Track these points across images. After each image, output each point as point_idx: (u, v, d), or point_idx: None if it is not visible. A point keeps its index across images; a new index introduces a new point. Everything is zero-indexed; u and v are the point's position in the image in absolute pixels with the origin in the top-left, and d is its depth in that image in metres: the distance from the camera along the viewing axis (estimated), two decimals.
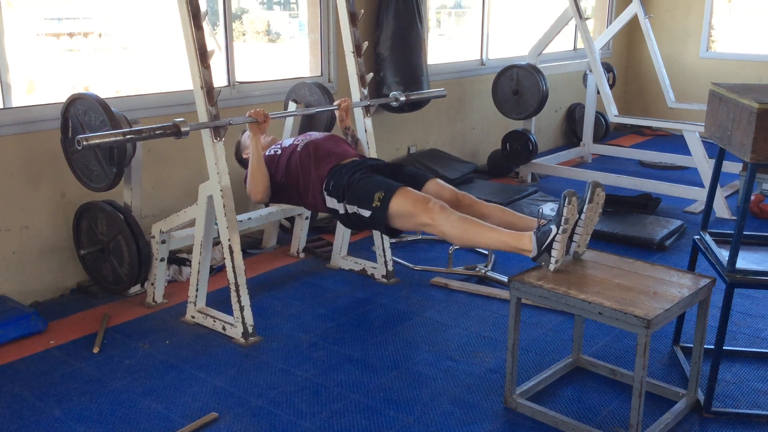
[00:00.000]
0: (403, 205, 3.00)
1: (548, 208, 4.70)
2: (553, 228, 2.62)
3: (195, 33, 3.05)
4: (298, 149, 3.38)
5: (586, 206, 2.65)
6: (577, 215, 2.66)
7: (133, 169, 3.56)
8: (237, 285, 3.18)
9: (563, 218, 2.59)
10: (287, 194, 3.46)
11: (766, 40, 7.94)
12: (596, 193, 2.66)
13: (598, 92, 6.02)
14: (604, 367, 2.92)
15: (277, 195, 3.50)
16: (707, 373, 2.67)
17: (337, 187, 3.16)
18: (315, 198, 3.30)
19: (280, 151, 3.45)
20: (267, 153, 3.49)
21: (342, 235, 4.05)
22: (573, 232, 2.68)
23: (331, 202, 3.21)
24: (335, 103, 3.80)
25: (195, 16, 3.05)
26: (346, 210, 3.16)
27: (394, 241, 4.38)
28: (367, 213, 3.08)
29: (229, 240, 3.18)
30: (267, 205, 4.23)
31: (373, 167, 3.30)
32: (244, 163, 3.67)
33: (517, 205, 5.00)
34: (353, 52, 3.85)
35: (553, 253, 2.61)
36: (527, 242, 2.71)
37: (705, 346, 2.68)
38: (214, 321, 3.30)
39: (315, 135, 3.53)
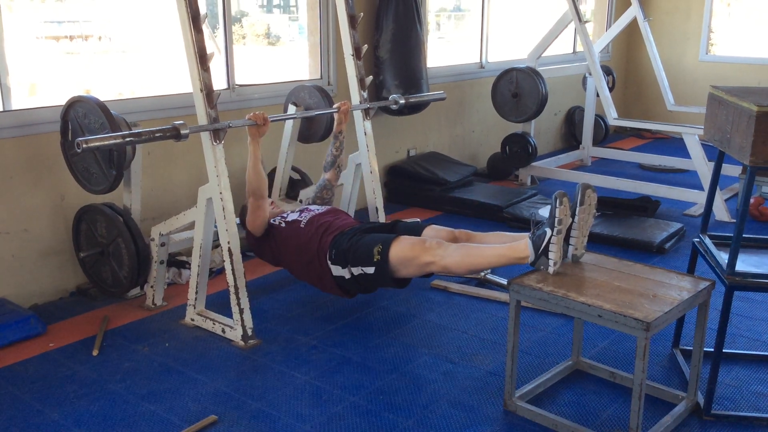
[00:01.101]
0: (401, 251, 3.03)
1: (546, 211, 4.70)
2: (548, 230, 2.64)
3: (195, 36, 3.05)
4: (302, 226, 3.39)
5: (578, 209, 2.67)
6: (571, 219, 2.67)
7: (133, 172, 3.56)
8: (236, 288, 3.18)
9: (556, 219, 2.62)
10: (295, 268, 3.47)
11: (765, 44, 7.95)
12: (587, 195, 2.68)
13: (598, 95, 6.03)
14: (603, 370, 2.92)
15: (283, 263, 3.52)
16: (707, 376, 2.66)
17: (339, 253, 3.19)
18: (321, 270, 3.29)
19: (284, 225, 3.45)
20: (272, 221, 3.50)
21: None
22: (569, 235, 2.69)
23: (336, 270, 3.22)
24: (335, 105, 3.81)
25: (194, 19, 3.06)
26: (351, 274, 3.18)
27: None
28: (371, 270, 3.10)
29: (228, 242, 3.17)
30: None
31: (370, 228, 3.35)
32: (253, 242, 3.61)
33: (516, 207, 5.00)
34: (353, 55, 3.85)
35: (550, 255, 2.62)
36: (524, 248, 2.73)
37: (705, 349, 2.68)
38: (214, 324, 3.30)
39: (315, 210, 3.54)
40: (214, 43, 5.69)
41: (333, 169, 3.82)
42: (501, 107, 5.92)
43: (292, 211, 3.56)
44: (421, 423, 2.60)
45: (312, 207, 3.62)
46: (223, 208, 3.16)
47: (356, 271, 3.15)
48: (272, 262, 3.61)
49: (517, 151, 6.01)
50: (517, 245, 2.78)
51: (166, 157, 4.07)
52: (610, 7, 8.01)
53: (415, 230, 3.32)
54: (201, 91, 3.09)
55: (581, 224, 2.69)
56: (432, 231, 3.28)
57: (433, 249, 2.98)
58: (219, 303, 3.51)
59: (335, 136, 3.80)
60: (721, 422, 2.61)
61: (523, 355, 3.08)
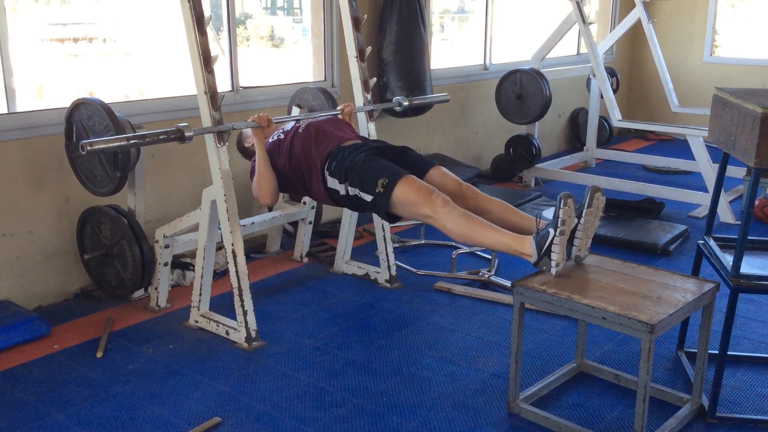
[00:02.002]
0: (406, 193, 2.94)
1: (550, 213, 4.69)
2: (551, 231, 2.61)
3: (199, 38, 3.06)
4: (300, 131, 3.34)
5: (585, 210, 2.64)
6: (576, 219, 2.65)
7: (137, 174, 3.56)
8: (240, 289, 3.18)
9: (560, 220, 2.58)
10: (291, 181, 3.41)
11: None
12: (596, 198, 2.65)
13: (602, 97, 6.02)
14: (608, 372, 2.91)
15: (282, 184, 3.44)
16: (711, 378, 2.66)
17: (340, 167, 3.12)
18: (317, 179, 3.23)
19: (282, 136, 3.41)
20: (270, 139, 3.45)
21: (345, 239, 4.05)
22: (573, 237, 2.67)
23: (333, 183, 3.16)
24: (338, 107, 3.81)
25: (199, 21, 3.06)
26: (347, 192, 3.12)
27: (396, 246, 4.38)
28: (368, 197, 3.04)
29: (232, 244, 3.18)
30: (270, 209, 4.24)
31: (377, 150, 3.23)
32: (246, 152, 3.65)
33: (520, 209, 4.98)
34: (356, 57, 3.85)
35: (553, 256, 2.60)
36: (527, 247, 2.69)
37: (709, 351, 2.68)
38: (218, 325, 3.30)
39: (317, 117, 3.50)
40: (218, 46, 5.70)
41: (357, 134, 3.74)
42: (505, 109, 5.92)
43: (291, 123, 3.48)
44: (425, 425, 2.60)
45: (314, 115, 3.55)
46: (227, 210, 3.17)
47: (353, 191, 3.08)
48: (280, 187, 3.48)
49: (521, 153, 6.00)
50: (521, 240, 2.74)
51: (170, 159, 4.07)
52: (615, 9, 8.00)
53: (423, 166, 3.22)
54: (205, 93, 3.09)
55: (587, 226, 2.67)
56: (439, 175, 3.18)
57: (437, 205, 2.88)
58: (223, 305, 3.52)
59: None
60: (725, 425, 2.60)
61: (527, 357, 3.07)
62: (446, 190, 3.06)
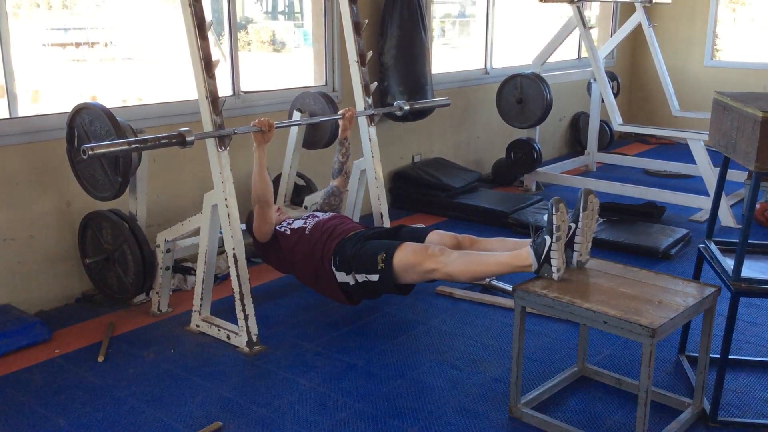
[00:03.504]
0: (405, 258, 3.04)
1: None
2: (547, 238, 2.64)
3: (200, 43, 3.06)
4: (307, 233, 3.41)
5: (581, 214, 2.66)
6: (573, 224, 2.67)
7: (139, 179, 3.57)
8: (242, 294, 3.18)
9: (554, 226, 2.62)
10: (300, 274, 3.50)
11: None
12: (589, 200, 2.68)
13: (603, 101, 6.02)
14: (609, 377, 2.91)
15: (288, 269, 3.55)
16: (713, 383, 2.65)
17: (343, 260, 3.21)
18: (327, 277, 3.31)
19: (289, 232, 3.47)
20: (278, 227, 3.52)
21: None
22: (572, 241, 2.68)
23: (341, 276, 3.24)
24: (340, 112, 3.82)
25: (200, 27, 3.07)
26: (356, 280, 3.20)
27: None
28: (375, 277, 3.11)
29: (233, 249, 3.18)
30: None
31: (374, 233, 3.35)
32: (257, 245, 3.63)
33: (521, 213, 5.00)
34: (357, 62, 3.86)
35: (553, 262, 2.62)
36: (526, 257, 2.72)
37: (710, 355, 2.67)
38: (219, 330, 3.31)
39: (320, 216, 3.56)
40: (219, 50, 5.72)
41: (341, 176, 3.82)
42: (506, 113, 5.92)
43: (298, 218, 3.56)
44: (426, 429, 2.60)
45: (318, 214, 3.63)
46: (228, 215, 3.17)
47: (360, 278, 3.16)
48: (278, 268, 3.63)
49: (521, 157, 6.01)
50: (519, 254, 2.78)
51: (171, 163, 4.08)
52: (615, 13, 8.01)
53: (419, 235, 3.32)
54: (206, 97, 3.10)
55: (585, 230, 2.68)
56: (436, 236, 3.28)
57: (436, 256, 2.98)
58: (224, 309, 3.52)
59: (341, 143, 3.81)
60: (727, 429, 2.60)
61: (529, 361, 3.07)
62: (445, 245, 3.14)
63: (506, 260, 2.84)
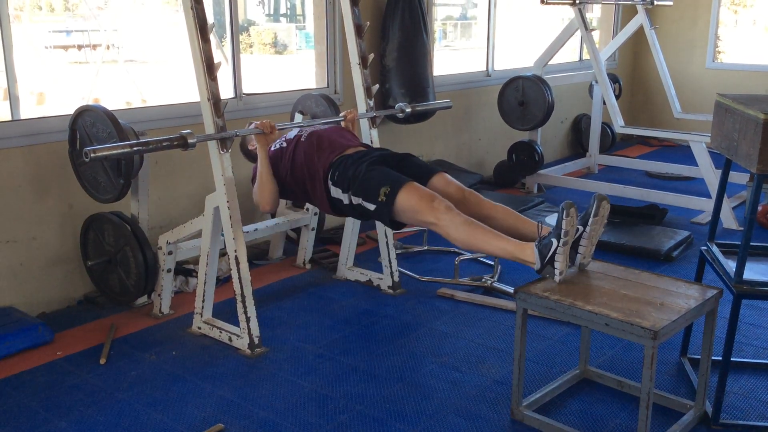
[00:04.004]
0: (408, 201, 2.95)
1: (553, 219, 4.69)
2: (554, 241, 2.60)
3: (202, 45, 3.07)
4: (302, 139, 3.36)
5: (591, 219, 2.64)
6: (582, 228, 2.65)
7: (141, 181, 3.57)
8: (243, 296, 3.18)
9: (563, 231, 2.57)
10: (293, 189, 3.42)
11: None
12: (602, 206, 2.65)
13: (604, 103, 6.02)
14: (611, 379, 2.91)
15: (284, 191, 3.45)
16: (715, 385, 2.65)
17: (342, 177, 3.14)
18: (319, 189, 3.25)
19: (285, 144, 3.42)
20: (273, 147, 3.45)
21: (348, 246, 4.06)
22: (578, 244, 2.67)
23: (336, 192, 3.18)
24: (341, 114, 3.82)
25: (202, 29, 3.07)
26: (350, 201, 3.13)
27: (399, 252, 4.38)
28: (372, 206, 3.04)
29: (235, 251, 3.18)
30: (273, 216, 4.24)
31: (380, 158, 3.24)
32: (249, 155, 3.64)
33: (523, 215, 4.99)
34: (359, 64, 3.86)
35: (556, 265, 2.61)
36: (530, 254, 2.69)
37: (713, 358, 2.67)
38: (221, 332, 3.31)
39: (319, 126, 3.51)
40: (221, 53, 5.73)
41: (360, 141, 3.74)
42: (507, 115, 5.93)
43: (294, 130, 3.50)
44: None
45: (316, 125, 3.56)
46: (230, 217, 3.17)
47: (356, 201, 3.10)
48: (282, 194, 3.50)
49: (523, 159, 6.01)
50: (524, 247, 2.73)
51: (173, 165, 4.08)
52: (617, 15, 8.02)
53: (426, 173, 3.22)
54: (208, 100, 3.10)
55: (592, 234, 2.66)
56: (442, 181, 3.18)
57: (440, 211, 2.88)
58: (226, 311, 3.52)
59: None
60: (729, 431, 2.60)
61: (530, 363, 3.07)
62: (449, 196, 3.06)
63: (510, 249, 2.77)
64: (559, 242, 2.59)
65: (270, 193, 3.35)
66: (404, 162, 3.29)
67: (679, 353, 3.14)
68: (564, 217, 2.57)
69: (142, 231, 3.54)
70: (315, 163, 3.25)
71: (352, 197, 3.11)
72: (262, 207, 3.41)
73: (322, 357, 3.17)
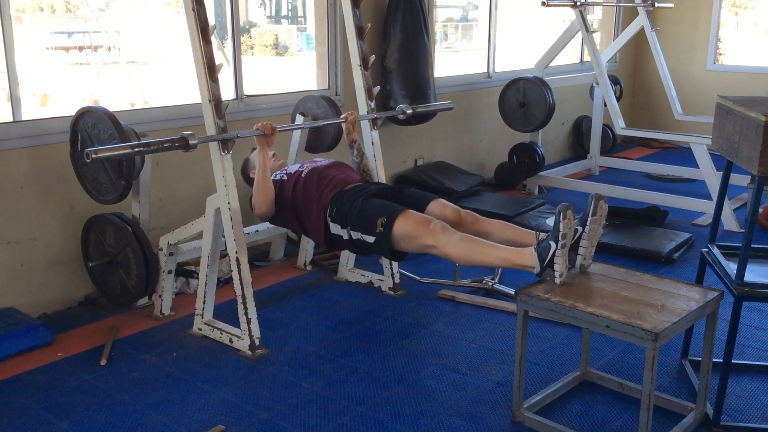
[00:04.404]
0: (405, 227, 3.00)
1: (553, 221, 4.69)
2: (552, 244, 2.62)
3: (203, 47, 3.07)
4: (303, 176, 3.40)
5: (589, 219, 2.65)
6: (581, 228, 2.66)
7: (142, 182, 3.58)
8: (244, 297, 3.18)
9: (560, 233, 2.59)
10: (291, 222, 3.48)
11: None
12: (599, 206, 2.66)
13: (605, 105, 6.03)
14: (612, 381, 2.91)
15: (283, 220, 3.52)
16: (716, 387, 2.65)
17: (341, 213, 3.18)
18: (318, 223, 3.30)
19: (286, 177, 3.47)
20: (273, 177, 3.50)
21: None
22: (578, 245, 2.68)
23: (335, 228, 3.22)
24: (342, 116, 3.82)
25: (203, 31, 3.07)
26: (350, 236, 3.18)
27: None
28: (371, 239, 3.10)
29: (236, 252, 3.18)
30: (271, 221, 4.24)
31: (376, 191, 3.31)
32: (250, 181, 3.68)
33: (524, 217, 5.00)
34: (360, 66, 3.87)
35: (556, 267, 2.61)
36: (529, 258, 2.71)
37: (713, 360, 2.67)
38: (221, 333, 3.31)
39: (319, 162, 3.54)
40: (222, 54, 5.73)
41: (360, 174, 3.75)
42: (508, 117, 5.93)
43: (295, 164, 3.53)
44: None
45: (317, 159, 3.59)
46: (231, 218, 3.17)
47: (355, 235, 3.13)
48: (275, 221, 3.56)
49: (524, 161, 6.01)
50: (522, 253, 2.76)
51: (174, 167, 4.09)
52: (618, 17, 8.02)
53: (422, 200, 3.27)
54: (209, 101, 3.11)
55: (591, 235, 2.67)
56: (438, 207, 3.23)
57: (437, 233, 2.93)
58: (226, 313, 3.52)
59: (350, 146, 3.79)
60: None
61: (531, 365, 3.07)
62: (446, 219, 3.11)
63: (508, 256, 2.80)
64: (557, 245, 2.60)
65: (267, 196, 3.37)
66: (400, 193, 3.35)
67: (680, 355, 3.14)
68: (561, 220, 2.59)
69: (143, 232, 3.54)
70: (314, 202, 3.30)
71: (351, 232, 3.16)
72: (258, 209, 3.41)
73: (323, 358, 3.17)
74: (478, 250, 2.89)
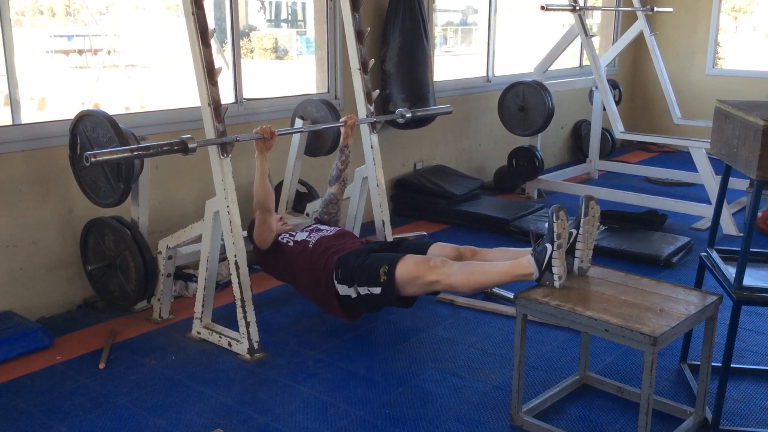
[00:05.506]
0: (407, 270, 3.04)
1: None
2: (548, 246, 2.64)
3: (203, 50, 3.08)
4: (310, 246, 3.41)
5: (582, 220, 2.67)
6: (575, 231, 2.67)
7: (141, 185, 3.58)
8: (243, 301, 3.18)
9: (555, 234, 2.62)
10: (300, 286, 3.49)
11: None
12: (590, 206, 2.68)
13: (604, 109, 6.04)
14: (610, 385, 2.91)
15: (289, 279, 3.54)
16: (715, 391, 2.65)
17: (346, 273, 3.21)
18: (327, 289, 3.30)
19: (292, 244, 3.47)
20: (280, 238, 3.51)
21: None
22: (574, 248, 2.68)
23: (343, 289, 3.24)
24: (341, 119, 3.83)
25: (203, 34, 3.08)
26: (358, 293, 3.19)
27: None
28: (377, 290, 3.12)
29: (235, 256, 3.18)
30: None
31: (377, 248, 3.35)
32: (257, 252, 3.59)
33: (523, 221, 5.00)
34: (360, 69, 3.87)
35: (554, 270, 2.62)
36: (527, 265, 2.73)
37: (712, 364, 2.67)
38: (220, 337, 3.31)
39: (324, 230, 3.55)
40: (222, 58, 5.74)
41: (338, 183, 3.81)
42: (507, 121, 5.93)
43: (302, 230, 3.56)
44: None
45: (322, 227, 3.61)
46: (230, 222, 3.18)
47: (363, 291, 3.16)
48: (278, 277, 3.62)
49: (523, 165, 6.01)
50: (520, 262, 2.79)
51: (173, 170, 4.09)
52: (617, 22, 8.03)
53: (421, 247, 3.33)
54: (209, 105, 3.11)
55: (586, 236, 2.69)
56: (437, 248, 3.29)
57: (437, 268, 2.99)
58: (225, 316, 3.52)
59: (341, 150, 3.81)
60: None
61: (530, 369, 3.07)
62: (447, 257, 3.14)
63: (507, 269, 2.85)
64: (553, 246, 2.62)
65: (265, 197, 3.37)
66: (399, 246, 3.41)
67: (679, 359, 3.14)
68: (554, 221, 2.61)
69: (142, 235, 3.54)
70: (321, 268, 3.31)
71: (358, 289, 3.18)
72: (257, 238, 3.43)
73: (322, 362, 3.17)
74: (478, 271, 2.95)
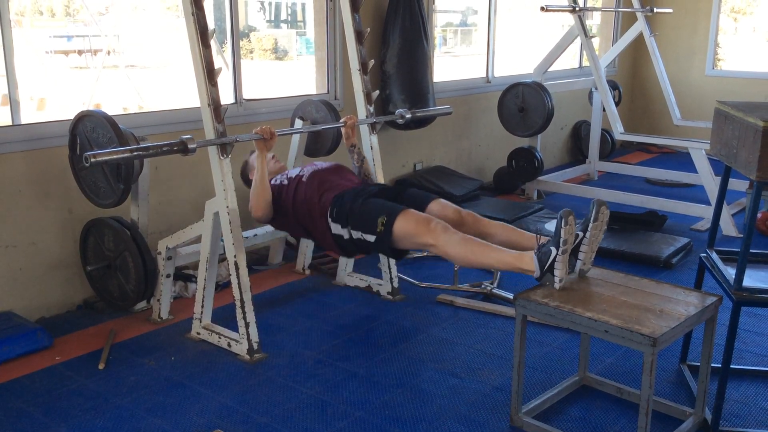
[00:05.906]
0: (405, 226, 3.02)
1: (552, 226, 4.69)
2: (553, 249, 2.62)
3: (203, 51, 3.08)
4: (304, 180, 3.41)
5: (591, 225, 2.65)
6: (582, 234, 2.66)
7: (140, 186, 3.58)
8: (242, 301, 3.18)
9: (561, 239, 2.60)
10: (294, 227, 3.49)
11: None
12: (601, 212, 2.66)
13: (604, 110, 6.04)
14: (610, 386, 2.91)
15: (284, 225, 3.53)
16: (714, 392, 2.65)
17: (341, 212, 3.19)
18: (321, 226, 3.30)
19: (286, 182, 3.47)
20: (273, 181, 3.51)
21: None
22: (578, 250, 2.68)
23: (336, 228, 3.23)
24: (341, 120, 3.82)
25: (203, 35, 3.08)
26: (350, 235, 3.18)
27: None
28: (371, 238, 3.10)
29: (234, 256, 3.18)
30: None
31: (377, 191, 3.32)
32: (249, 183, 3.68)
33: (522, 222, 5.00)
34: (359, 70, 3.87)
35: (556, 273, 2.61)
36: (529, 262, 2.71)
37: (712, 365, 2.67)
38: (220, 337, 3.30)
39: (320, 165, 3.54)
40: (222, 58, 5.74)
41: (361, 179, 3.76)
42: (507, 121, 5.93)
43: (295, 167, 3.54)
44: None
45: (316, 162, 3.60)
46: (230, 222, 3.17)
47: (356, 234, 3.15)
48: (291, 233, 3.61)
49: (523, 165, 6.01)
50: (522, 257, 2.76)
51: (173, 171, 4.09)
52: (616, 23, 8.03)
53: (422, 201, 3.28)
54: (209, 105, 3.11)
55: (591, 240, 2.68)
56: (438, 206, 3.25)
57: (437, 232, 2.94)
58: (225, 317, 3.52)
59: (350, 151, 3.79)
60: None
61: (530, 370, 3.07)
62: (447, 219, 3.13)
63: (509, 260, 2.81)
64: (558, 250, 2.60)
65: (264, 200, 3.37)
66: (401, 193, 3.37)
67: (679, 360, 3.14)
68: (562, 226, 2.59)
69: (142, 236, 3.54)
70: (315, 204, 3.31)
71: (352, 231, 3.16)
72: (255, 212, 3.42)
73: (322, 363, 3.16)
74: (478, 251, 2.90)
